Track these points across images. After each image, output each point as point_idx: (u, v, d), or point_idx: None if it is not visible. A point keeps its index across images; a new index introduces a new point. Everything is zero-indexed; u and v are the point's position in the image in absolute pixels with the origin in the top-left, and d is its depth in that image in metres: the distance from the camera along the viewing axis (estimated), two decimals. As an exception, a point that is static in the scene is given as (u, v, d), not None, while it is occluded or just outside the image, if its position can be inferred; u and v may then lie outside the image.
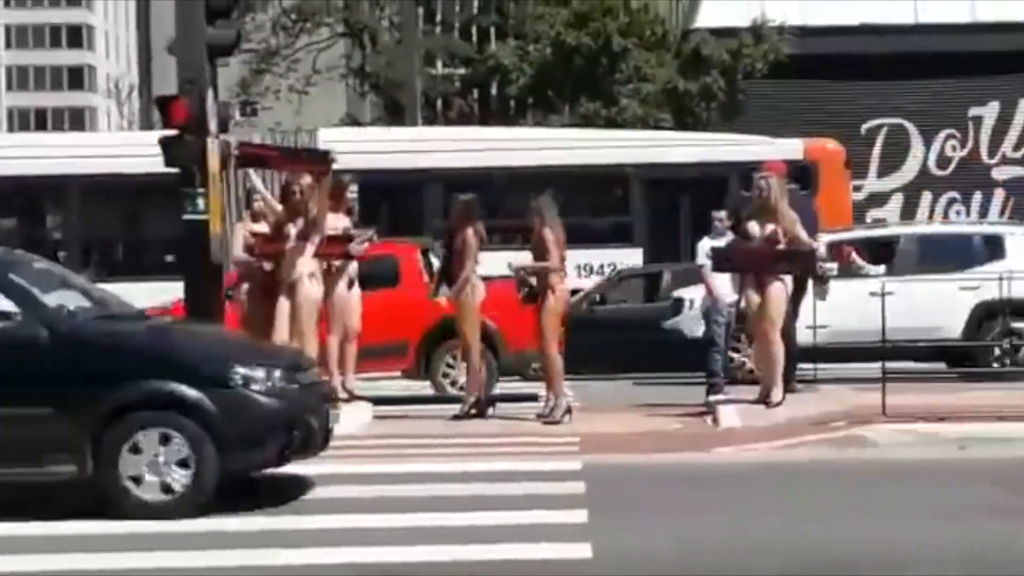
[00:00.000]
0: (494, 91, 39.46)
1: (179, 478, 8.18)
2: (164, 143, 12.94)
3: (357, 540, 7.41)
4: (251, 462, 8.56)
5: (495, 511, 8.09)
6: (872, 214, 31.54)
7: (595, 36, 30.89)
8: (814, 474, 9.53)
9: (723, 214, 13.68)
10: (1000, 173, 31.27)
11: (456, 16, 40.98)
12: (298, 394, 8.60)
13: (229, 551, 7.26)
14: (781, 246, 12.35)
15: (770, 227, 12.33)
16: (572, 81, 31.66)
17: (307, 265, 12.23)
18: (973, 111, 31.11)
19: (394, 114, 38.33)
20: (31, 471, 8.31)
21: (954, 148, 31.34)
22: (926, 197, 31.44)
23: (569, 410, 12.13)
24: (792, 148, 18.16)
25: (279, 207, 12.49)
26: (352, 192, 13.00)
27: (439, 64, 41.20)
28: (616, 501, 8.53)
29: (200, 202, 12.73)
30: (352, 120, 42.81)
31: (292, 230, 12.21)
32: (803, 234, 12.44)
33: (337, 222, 12.59)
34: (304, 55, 39.55)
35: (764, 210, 12.43)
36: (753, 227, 12.41)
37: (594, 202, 19.70)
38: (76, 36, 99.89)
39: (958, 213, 31.37)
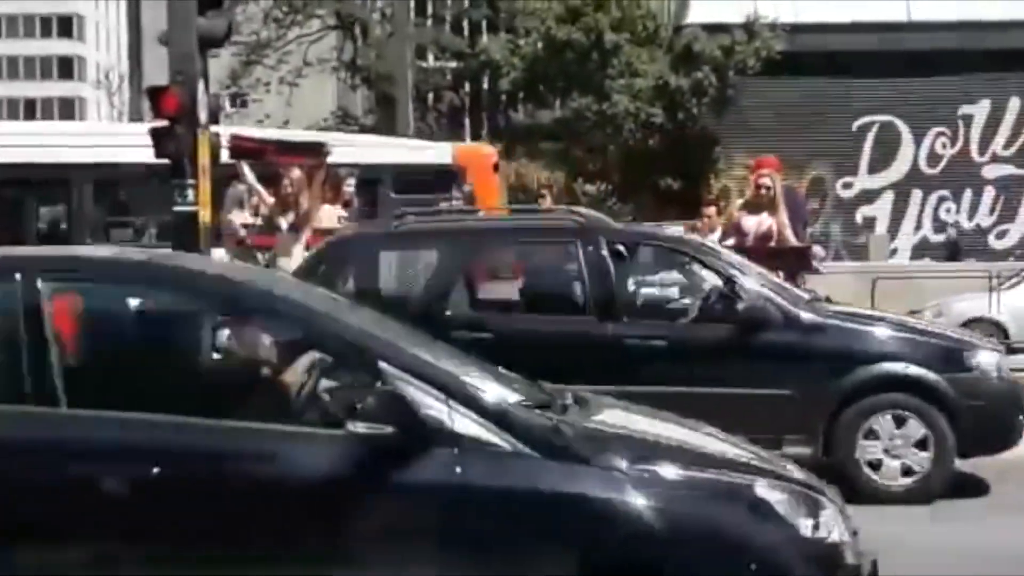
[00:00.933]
0: (485, 85, 39.43)
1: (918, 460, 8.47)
2: (155, 134, 12.89)
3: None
4: (988, 446, 8.76)
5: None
6: (862, 211, 31.59)
7: (586, 31, 30.87)
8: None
9: (712, 210, 13.68)
10: (990, 171, 31.31)
11: (447, 9, 40.93)
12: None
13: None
14: (772, 243, 12.33)
15: (767, 223, 12.30)
16: (563, 76, 31.64)
17: (297, 259, 12.19)
18: (964, 109, 31.14)
19: (385, 107, 38.27)
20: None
21: (944, 146, 31.38)
22: (916, 195, 31.47)
23: None
24: (444, 152, 18.24)
25: (270, 200, 12.47)
26: (349, 185, 12.99)
27: (430, 57, 41.14)
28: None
29: (190, 193, 12.71)
30: (343, 113, 42.77)
31: (283, 223, 12.18)
32: (791, 236, 12.40)
33: (334, 214, 12.56)
34: (295, 47, 39.48)
35: (762, 206, 12.39)
36: (747, 221, 12.36)
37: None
38: (67, 26, 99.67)
39: (948, 211, 31.42)
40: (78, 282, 5.03)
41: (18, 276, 4.79)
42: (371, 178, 16.44)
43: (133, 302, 5.33)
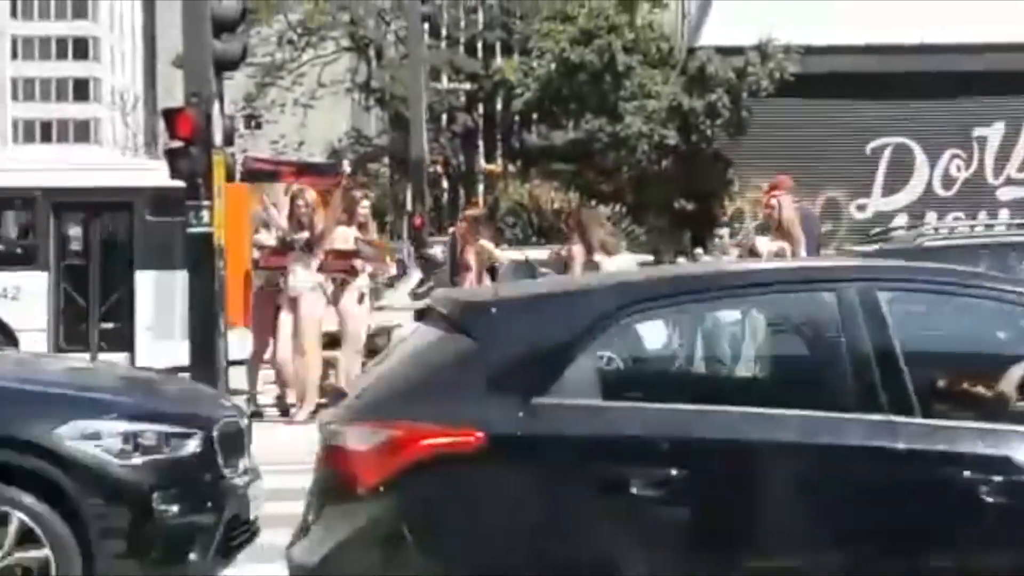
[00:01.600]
0: (499, 106, 39.50)
1: None
2: (170, 155, 12.94)
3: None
4: None
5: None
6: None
7: (600, 53, 30.92)
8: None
9: (725, 231, 13.71)
10: (1005, 194, 31.23)
11: (461, 32, 41.06)
12: None
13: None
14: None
15: (778, 244, 12.29)
16: (577, 97, 31.68)
17: (310, 279, 12.20)
18: (978, 131, 31.09)
19: (399, 128, 38.36)
20: None
21: (959, 168, 31.32)
22: (931, 217, 31.38)
23: None
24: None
25: (284, 223, 12.48)
26: (364, 207, 13.00)
27: (444, 79, 41.26)
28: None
29: (205, 214, 12.73)
30: (357, 134, 42.89)
31: (296, 242, 12.21)
32: (803, 252, 12.39)
33: (349, 235, 12.57)
34: (309, 69, 39.64)
35: (773, 228, 12.41)
36: (761, 244, 12.36)
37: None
38: (82, 48, 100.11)
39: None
40: (913, 292, 5.11)
41: (855, 286, 4.87)
42: (122, 201, 16.71)
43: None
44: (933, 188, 31.42)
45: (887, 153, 31.29)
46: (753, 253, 12.48)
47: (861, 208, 31.51)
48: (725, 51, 30.23)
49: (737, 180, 30.81)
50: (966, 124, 30.90)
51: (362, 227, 12.92)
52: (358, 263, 12.48)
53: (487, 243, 12.54)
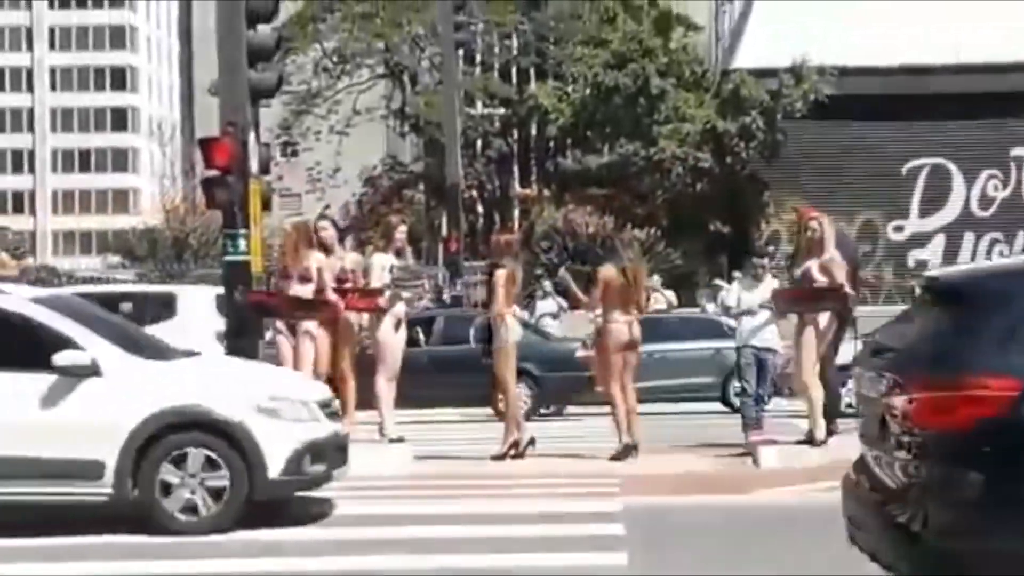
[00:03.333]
0: (534, 131, 39.57)
1: None
2: (206, 184, 13.01)
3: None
4: None
5: (533, 553, 8.04)
6: (914, 255, 31.37)
7: (634, 77, 30.96)
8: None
9: (765, 261, 13.65)
10: (1044, 213, 31.05)
11: (496, 57, 41.19)
12: None
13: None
14: (820, 284, 12.26)
15: (806, 265, 12.27)
16: (611, 121, 31.72)
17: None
18: (1015, 151, 30.93)
19: (433, 154, 38.50)
20: None
21: (996, 188, 31.16)
22: (968, 238, 31.24)
23: (635, 448, 12.19)
24: None
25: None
26: (401, 232, 12.91)
27: (479, 104, 41.38)
28: (656, 544, 8.45)
29: (242, 243, 12.79)
30: (392, 160, 43.03)
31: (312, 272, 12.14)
32: (840, 275, 12.33)
33: (386, 262, 12.50)
34: (344, 96, 39.85)
35: (811, 250, 12.38)
36: (814, 266, 12.35)
37: None
38: (120, 78, 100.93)
39: (1001, 253, 31.13)
40: None
41: None
42: None
43: None
44: (971, 208, 31.26)
45: (923, 174, 31.16)
46: (805, 278, 12.41)
47: (898, 229, 31.38)
48: (759, 73, 30.22)
49: (772, 203, 30.74)
50: (1003, 144, 30.75)
51: (399, 253, 12.87)
52: (383, 300, 12.33)
53: (517, 265, 12.51)
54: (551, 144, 38.29)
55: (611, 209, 30.63)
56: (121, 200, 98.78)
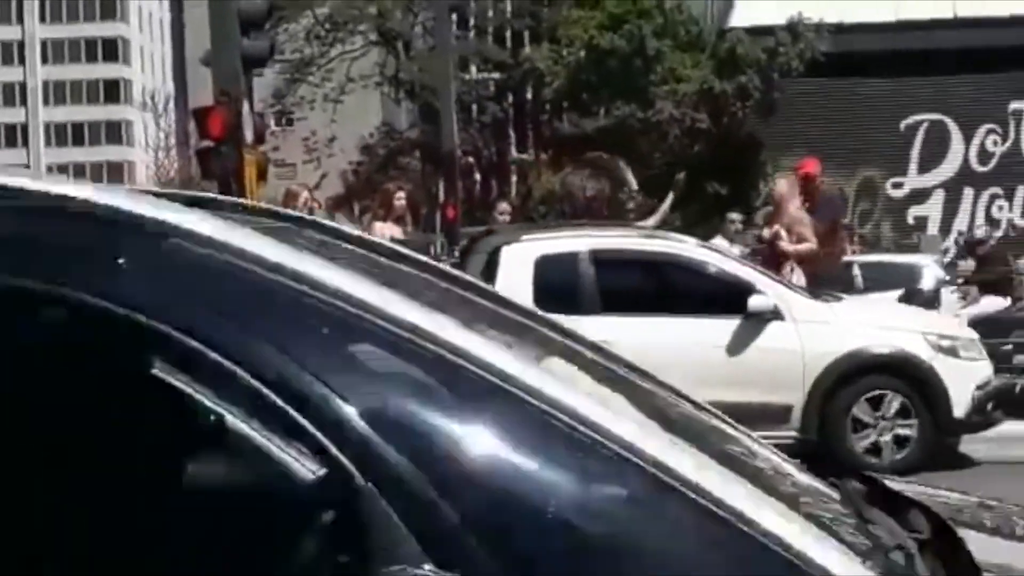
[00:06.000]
0: (529, 95, 39.38)
1: None
2: (200, 155, 12.91)
3: None
4: None
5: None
6: (913, 211, 31.27)
7: (629, 38, 30.75)
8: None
9: (740, 217, 13.57)
10: (1043, 167, 30.93)
11: (489, 21, 40.94)
12: None
13: None
14: (786, 246, 11.96)
15: (769, 230, 12.13)
16: (607, 84, 31.53)
17: None
18: (1013, 105, 30.78)
19: (429, 120, 38.31)
20: None
21: (995, 143, 31.02)
22: (968, 193, 31.12)
23: None
24: None
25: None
26: (400, 199, 12.71)
27: (473, 69, 41.15)
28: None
29: (238, 214, 12.69)
30: (388, 128, 42.85)
31: None
32: (807, 233, 12.00)
33: (387, 231, 12.34)
34: (338, 64, 39.61)
35: (773, 213, 12.37)
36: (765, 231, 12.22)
37: None
38: (112, 49, 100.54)
39: (1000, 209, 31.05)
40: None
41: None
42: None
43: None
44: (970, 164, 31.13)
45: (922, 130, 31.01)
46: (761, 242, 12.31)
47: (897, 186, 31.27)
48: (755, 32, 30.02)
49: (770, 162, 30.60)
50: (1001, 99, 30.59)
51: (400, 220, 12.68)
52: None
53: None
54: (547, 108, 38.09)
55: (609, 173, 30.49)
56: (116, 173, 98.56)
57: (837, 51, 29.35)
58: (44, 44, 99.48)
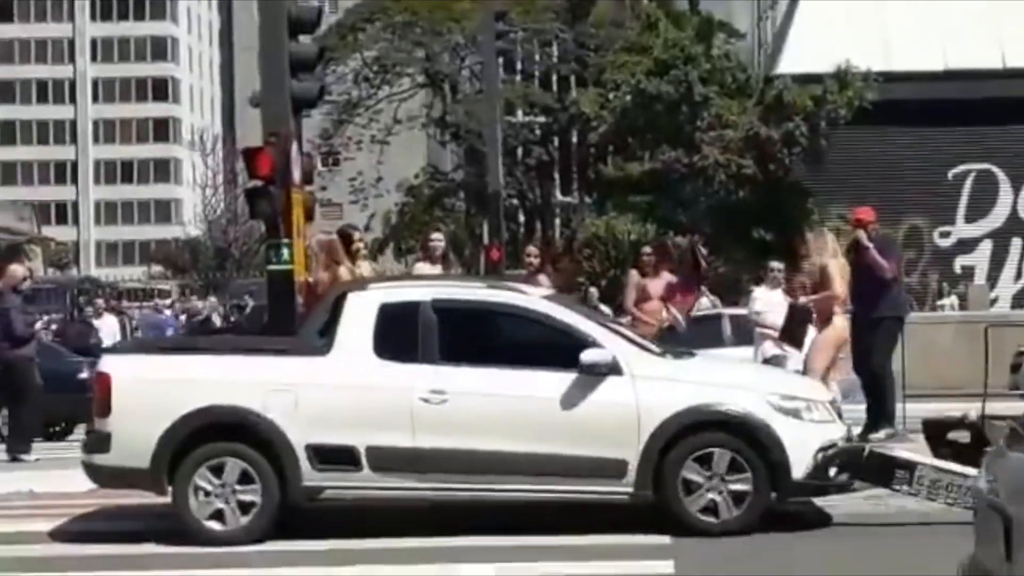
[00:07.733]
0: (575, 139, 39.46)
1: None
2: (249, 194, 12.99)
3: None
4: None
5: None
6: (960, 261, 31.05)
7: (676, 84, 30.78)
8: (913, 531, 9.21)
9: (780, 264, 13.63)
10: (1091, 218, 30.67)
11: (536, 65, 41.13)
12: None
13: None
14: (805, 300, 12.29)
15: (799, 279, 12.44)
16: (653, 128, 31.54)
17: None
18: (1062, 156, 30.56)
19: (473, 162, 38.46)
20: None
21: (1044, 194, 30.80)
22: (1016, 243, 30.89)
23: None
24: None
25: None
26: (438, 239, 12.75)
27: (519, 112, 41.31)
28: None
29: (285, 252, 12.77)
30: (434, 169, 43.05)
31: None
32: (837, 286, 12.08)
33: (426, 272, 12.34)
34: (385, 105, 39.88)
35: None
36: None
37: None
38: (162, 89, 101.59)
39: (1049, 259, 30.79)
40: None
41: None
42: None
43: None
44: (1018, 213, 30.92)
45: (969, 180, 30.84)
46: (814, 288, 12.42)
47: (944, 235, 31.07)
48: (802, 79, 29.97)
49: (817, 210, 30.47)
50: (1050, 149, 30.37)
51: (443, 260, 12.67)
52: None
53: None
54: (592, 151, 38.15)
55: (653, 217, 30.46)
56: (163, 210, 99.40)
57: (885, 99, 29.25)
58: (95, 82, 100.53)
